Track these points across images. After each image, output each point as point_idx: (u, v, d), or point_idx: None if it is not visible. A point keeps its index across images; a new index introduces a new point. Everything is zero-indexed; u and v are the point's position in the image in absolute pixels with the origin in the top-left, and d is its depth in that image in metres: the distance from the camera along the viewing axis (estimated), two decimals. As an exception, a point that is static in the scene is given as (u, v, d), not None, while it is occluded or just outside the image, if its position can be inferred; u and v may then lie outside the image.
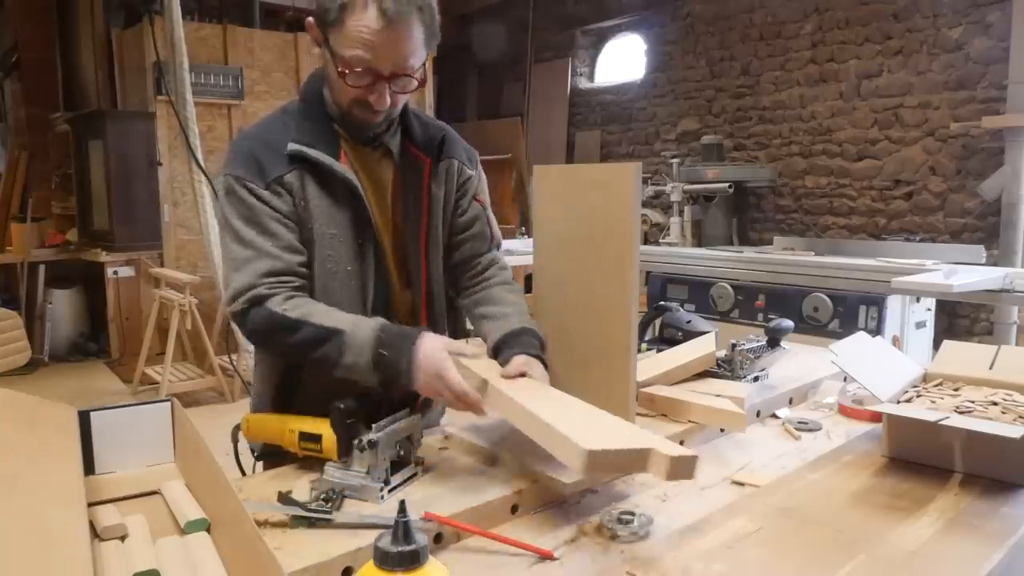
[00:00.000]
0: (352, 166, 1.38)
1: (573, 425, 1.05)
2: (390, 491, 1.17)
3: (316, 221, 1.35)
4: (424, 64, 1.32)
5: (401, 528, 0.73)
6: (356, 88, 1.28)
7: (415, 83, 1.31)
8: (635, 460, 1.02)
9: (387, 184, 1.43)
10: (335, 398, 1.29)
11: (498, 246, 1.60)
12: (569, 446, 1.00)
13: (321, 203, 1.35)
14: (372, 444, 1.16)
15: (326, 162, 1.33)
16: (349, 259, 1.37)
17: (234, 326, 1.37)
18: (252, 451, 1.53)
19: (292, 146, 1.32)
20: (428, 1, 1.27)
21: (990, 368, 1.42)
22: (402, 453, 1.22)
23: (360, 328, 1.24)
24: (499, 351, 1.38)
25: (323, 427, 1.22)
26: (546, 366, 1.35)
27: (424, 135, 1.45)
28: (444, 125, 1.52)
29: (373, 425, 1.18)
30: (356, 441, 1.17)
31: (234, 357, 4.70)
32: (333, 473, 1.18)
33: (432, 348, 1.21)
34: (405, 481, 1.21)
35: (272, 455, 1.50)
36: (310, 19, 1.31)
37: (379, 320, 1.27)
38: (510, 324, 1.42)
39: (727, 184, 5.12)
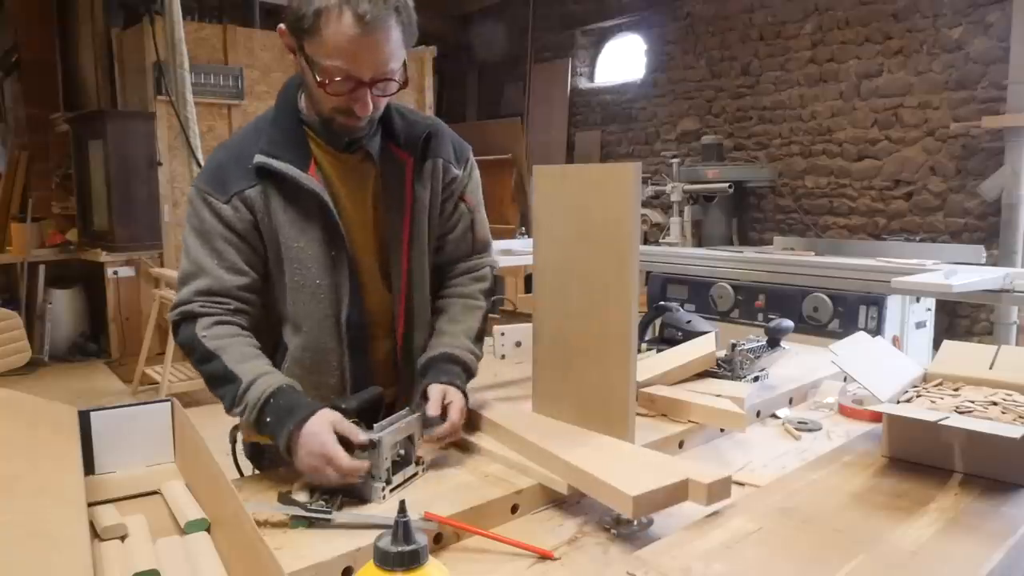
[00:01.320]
0: (326, 175, 1.35)
1: (613, 471, 1.11)
2: (391, 491, 1.17)
3: (283, 235, 1.33)
4: (404, 64, 1.28)
5: (401, 528, 0.73)
6: (337, 97, 1.25)
7: (396, 85, 1.28)
8: (676, 492, 1.07)
9: (367, 188, 1.40)
10: (318, 399, 1.29)
11: (482, 249, 1.56)
12: (616, 494, 1.05)
13: (287, 216, 1.32)
14: (373, 444, 1.16)
15: (292, 174, 1.30)
16: (319, 272, 1.35)
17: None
18: (243, 451, 1.53)
19: (258, 158, 1.29)
20: (404, 5, 1.23)
21: (990, 368, 1.42)
22: (403, 453, 1.22)
23: (255, 387, 1.21)
24: (422, 376, 1.40)
25: None
26: (461, 387, 1.36)
27: (408, 133, 1.41)
28: (435, 122, 1.47)
29: (374, 425, 1.18)
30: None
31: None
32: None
33: (316, 428, 1.15)
34: (406, 481, 1.21)
35: (257, 454, 1.50)
36: (282, 26, 1.26)
37: (278, 383, 1.22)
38: (435, 349, 1.42)
39: (727, 184, 5.12)
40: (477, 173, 1.55)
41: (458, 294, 1.52)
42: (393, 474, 1.18)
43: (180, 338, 1.31)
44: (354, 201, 1.39)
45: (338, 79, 1.22)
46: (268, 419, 1.20)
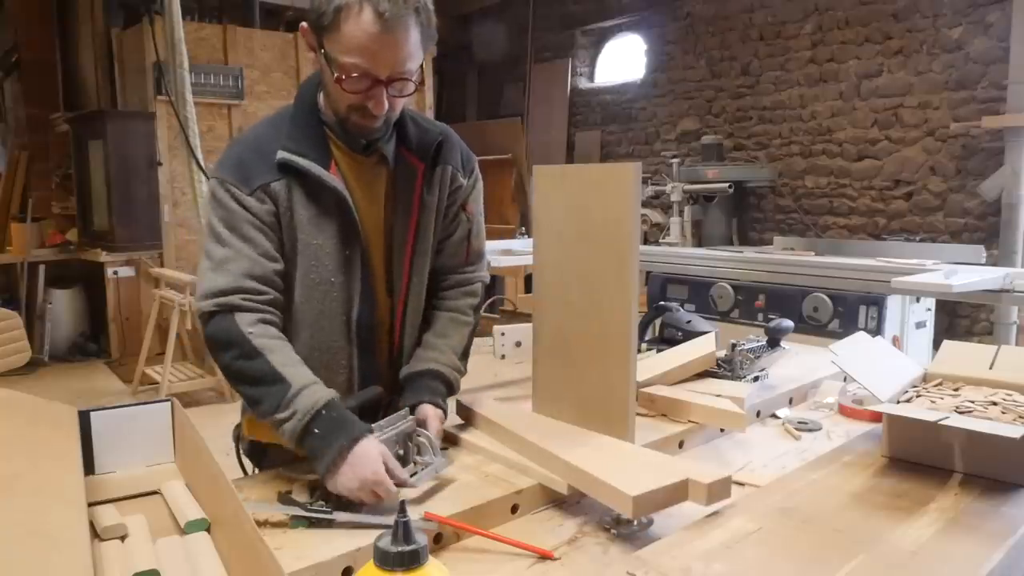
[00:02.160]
0: (343, 175, 1.35)
1: (613, 471, 1.11)
2: None
3: (301, 231, 1.33)
4: (421, 66, 1.30)
5: (401, 528, 0.73)
6: (353, 94, 1.25)
7: (413, 86, 1.29)
8: (676, 492, 1.07)
9: (380, 191, 1.40)
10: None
11: (476, 260, 1.56)
12: (616, 494, 1.06)
13: (307, 212, 1.32)
14: None
15: (315, 172, 1.30)
16: (334, 270, 1.35)
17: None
18: (243, 448, 1.52)
19: (281, 154, 1.29)
20: (424, 2, 1.23)
21: (990, 368, 1.42)
22: (401, 453, 1.22)
23: (306, 394, 1.18)
24: (404, 387, 1.41)
25: None
26: (444, 406, 1.37)
27: (420, 140, 1.42)
28: (445, 129, 1.48)
29: (374, 426, 1.18)
30: None
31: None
32: None
33: (370, 451, 1.13)
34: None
35: (257, 453, 1.50)
36: (304, 24, 1.27)
37: (329, 395, 1.20)
38: (419, 363, 1.42)
39: (727, 184, 5.12)
40: (481, 183, 1.55)
41: (447, 307, 1.51)
42: None
43: (215, 328, 1.24)
44: (368, 202, 1.39)
45: (355, 76, 1.22)
46: (316, 430, 1.16)
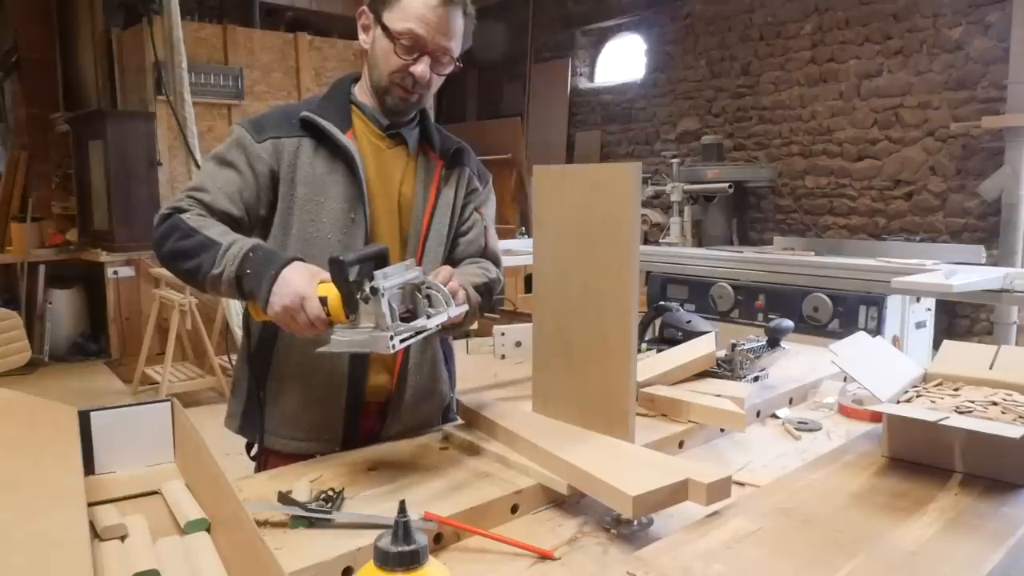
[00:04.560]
0: (362, 148, 1.45)
1: (613, 471, 1.11)
2: (401, 341, 1.11)
3: (302, 187, 1.41)
4: (458, 59, 1.44)
5: (401, 528, 0.73)
6: (403, 60, 1.37)
7: (451, 67, 1.42)
8: (676, 492, 1.08)
9: (396, 173, 1.49)
10: (318, 369, 1.35)
11: (492, 259, 1.58)
12: (616, 494, 1.06)
13: (314, 172, 1.41)
14: (375, 291, 1.10)
15: (332, 132, 1.40)
16: (334, 229, 1.41)
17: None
18: (248, 452, 1.54)
19: (304, 114, 1.42)
20: (471, 7, 1.42)
21: (990, 368, 1.42)
22: (411, 307, 1.18)
23: (235, 245, 1.26)
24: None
25: (326, 290, 1.17)
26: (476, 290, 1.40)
27: (441, 145, 1.54)
28: (464, 143, 1.59)
29: (375, 273, 1.12)
30: (360, 293, 1.11)
31: (234, 357, 4.70)
32: (341, 335, 1.13)
33: (298, 272, 1.19)
34: (415, 336, 1.15)
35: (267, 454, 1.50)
36: (363, 7, 1.42)
37: (257, 240, 1.30)
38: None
39: (727, 184, 5.12)
40: (494, 197, 1.65)
41: (466, 263, 1.54)
42: (402, 328, 1.12)
43: (161, 228, 1.33)
44: (381, 176, 1.47)
45: (406, 42, 1.36)
46: (249, 271, 1.22)
